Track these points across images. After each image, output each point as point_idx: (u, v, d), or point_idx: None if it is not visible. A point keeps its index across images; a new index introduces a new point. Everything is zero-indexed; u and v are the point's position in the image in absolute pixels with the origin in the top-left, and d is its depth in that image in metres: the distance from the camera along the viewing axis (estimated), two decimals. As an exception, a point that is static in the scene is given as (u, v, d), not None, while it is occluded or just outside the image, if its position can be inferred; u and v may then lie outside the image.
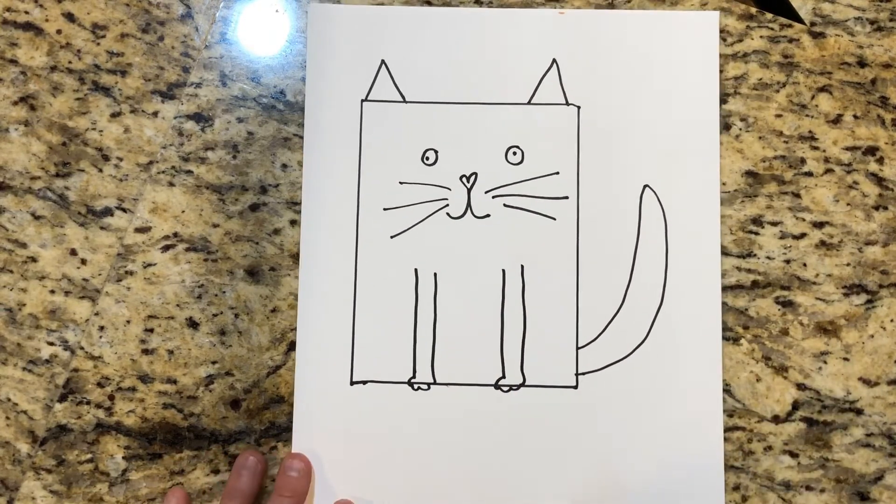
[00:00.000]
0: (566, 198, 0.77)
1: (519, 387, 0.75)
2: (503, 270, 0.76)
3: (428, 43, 0.78)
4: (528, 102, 0.77)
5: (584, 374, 0.75)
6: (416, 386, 0.75)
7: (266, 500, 0.74)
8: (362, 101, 0.78)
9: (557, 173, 0.77)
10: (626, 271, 0.76)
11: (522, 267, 0.76)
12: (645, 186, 0.76)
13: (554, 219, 0.76)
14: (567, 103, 0.77)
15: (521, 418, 0.75)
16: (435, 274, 0.76)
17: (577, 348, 0.75)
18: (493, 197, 0.76)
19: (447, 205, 0.76)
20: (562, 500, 0.74)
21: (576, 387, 0.75)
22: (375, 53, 0.78)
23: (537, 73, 0.78)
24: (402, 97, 0.78)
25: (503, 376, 0.75)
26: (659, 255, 0.76)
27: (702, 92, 0.78)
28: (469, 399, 0.75)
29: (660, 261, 0.76)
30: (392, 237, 0.76)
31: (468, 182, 0.76)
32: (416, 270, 0.76)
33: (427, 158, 0.77)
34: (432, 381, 0.75)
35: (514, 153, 0.77)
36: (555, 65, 0.78)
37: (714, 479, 0.74)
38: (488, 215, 0.76)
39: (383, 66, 0.78)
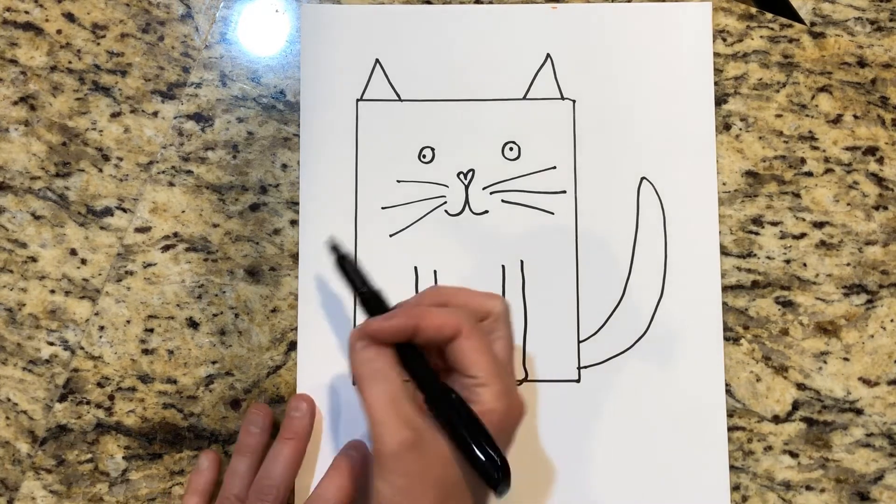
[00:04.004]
0: (564, 192, 0.77)
1: (521, 382, 0.75)
2: (503, 266, 0.76)
3: (421, 41, 0.78)
4: (524, 98, 0.78)
5: (585, 367, 0.75)
6: (418, 383, 0.75)
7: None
8: (357, 100, 0.78)
9: (554, 168, 0.77)
10: (626, 264, 0.76)
11: (522, 262, 0.76)
12: (642, 179, 0.77)
13: (552, 213, 0.76)
14: (562, 97, 0.78)
15: (523, 413, 0.75)
16: (435, 271, 0.76)
17: (579, 342, 0.76)
18: (491, 193, 0.76)
19: (445, 202, 0.77)
20: (566, 494, 0.74)
21: (578, 380, 0.75)
22: (369, 52, 0.78)
23: (532, 67, 0.78)
24: (398, 96, 0.78)
25: (505, 371, 0.75)
26: (658, 246, 0.76)
27: (696, 83, 0.78)
28: (471, 395, 0.75)
29: (659, 252, 0.76)
30: (391, 236, 0.76)
31: (465, 179, 0.77)
32: (415, 268, 0.76)
33: (424, 156, 0.77)
34: (434, 377, 0.75)
35: (511, 149, 0.77)
36: (549, 59, 0.78)
37: (718, 470, 0.74)
38: (486, 212, 0.76)
39: (378, 65, 0.78)
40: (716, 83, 0.78)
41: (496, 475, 0.57)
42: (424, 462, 0.58)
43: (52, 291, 0.76)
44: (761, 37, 0.78)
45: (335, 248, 0.68)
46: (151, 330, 0.76)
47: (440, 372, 0.64)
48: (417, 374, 0.62)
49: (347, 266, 0.67)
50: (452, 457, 0.59)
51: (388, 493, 0.59)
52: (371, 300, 0.66)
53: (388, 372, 0.61)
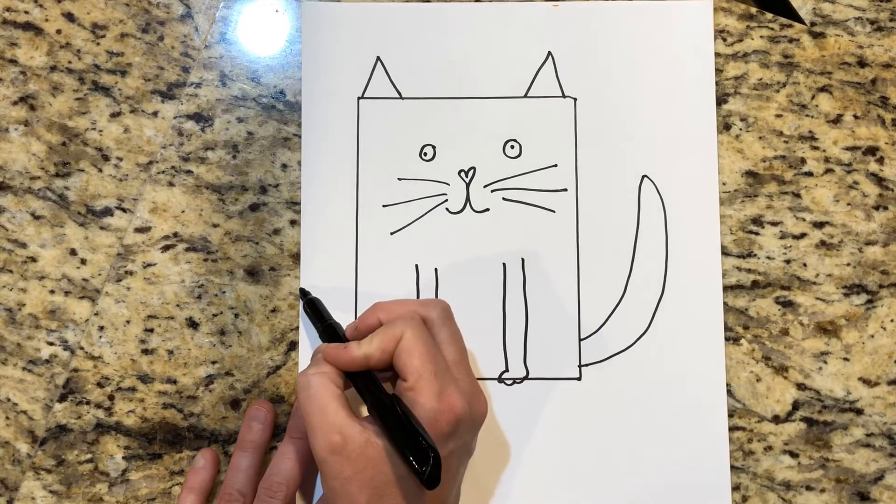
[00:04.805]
0: (565, 190, 0.77)
1: (523, 380, 0.75)
2: (504, 264, 0.76)
3: (423, 39, 0.78)
4: (525, 96, 0.78)
5: (587, 365, 0.75)
6: (419, 382, 0.75)
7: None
8: (359, 98, 0.78)
9: (556, 166, 0.77)
10: (627, 262, 0.76)
11: (523, 260, 0.76)
12: (643, 177, 0.77)
13: (553, 211, 0.76)
14: (563, 95, 0.78)
15: (525, 411, 0.75)
16: (436, 269, 0.76)
17: (580, 340, 0.76)
18: (492, 191, 0.76)
19: (446, 200, 0.77)
20: (566, 493, 0.74)
21: (579, 378, 0.75)
22: (370, 50, 0.78)
23: (533, 66, 0.78)
24: (399, 94, 0.78)
25: (506, 370, 0.75)
26: (659, 244, 0.76)
27: (697, 81, 0.78)
28: (472, 393, 0.75)
29: (660, 250, 0.76)
30: (392, 234, 0.76)
31: (467, 177, 0.77)
32: (416, 266, 0.76)
33: (425, 154, 0.77)
34: (435, 376, 0.75)
35: (512, 147, 0.77)
36: (550, 57, 0.78)
37: (719, 470, 0.74)
38: (487, 209, 0.76)
39: (379, 62, 0.78)
40: (716, 83, 0.78)
41: (422, 469, 0.58)
42: (355, 465, 0.61)
43: (52, 291, 0.76)
44: (761, 37, 0.78)
45: (304, 293, 0.75)
46: (151, 330, 0.76)
47: (396, 378, 0.67)
48: (358, 382, 0.66)
49: (317, 305, 0.74)
50: (385, 457, 0.62)
51: (325, 494, 0.63)
52: (330, 331, 0.71)
53: (322, 382, 0.64)
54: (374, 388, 0.65)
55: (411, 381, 0.63)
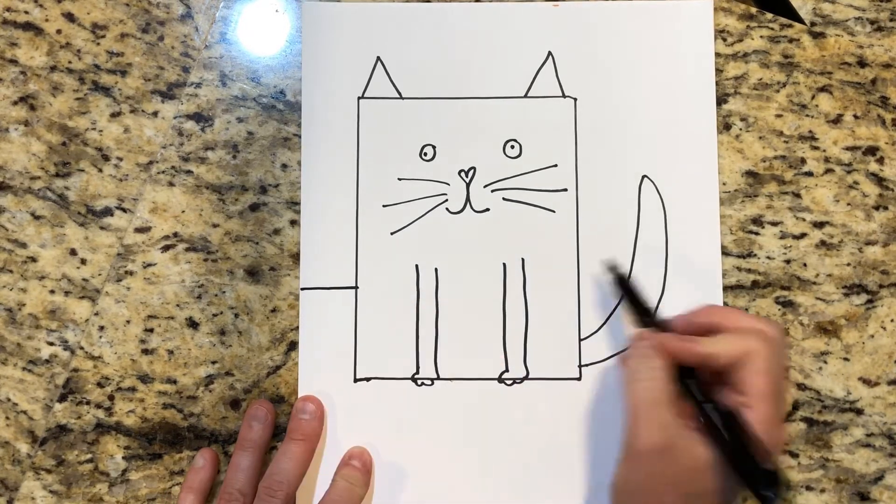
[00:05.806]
0: (565, 190, 0.77)
1: (522, 380, 0.75)
2: (504, 264, 0.76)
3: (423, 39, 0.78)
4: (525, 96, 0.78)
5: (587, 365, 0.75)
6: (419, 382, 0.75)
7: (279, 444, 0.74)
8: (359, 98, 0.78)
9: (556, 166, 0.77)
10: (627, 262, 0.76)
11: (523, 260, 0.76)
12: (643, 177, 0.77)
13: (553, 211, 0.76)
14: (564, 95, 0.78)
15: (525, 411, 0.75)
16: (436, 269, 0.76)
17: (580, 340, 0.75)
18: (492, 191, 0.76)
19: (446, 200, 0.77)
20: (566, 492, 0.74)
21: (579, 378, 0.75)
22: (370, 50, 0.78)
23: (533, 65, 0.78)
24: (399, 94, 0.78)
25: (506, 370, 0.75)
26: (659, 244, 0.76)
27: (698, 80, 0.78)
28: (473, 393, 0.75)
29: (660, 250, 0.76)
30: (392, 234, 0.76)
31: (467, 177, 0.77)
32: (416, 266, 0.76)
33: (425, 154, 0.77)
34: (436, 376, 0.75)
35: (512, 147, 0.77)
36: (550, 57, 0.78)
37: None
38: (487, 209, 0.76)
39: (379, 62, 0.78)
40: (716, 83, 0.78)
41: (767, 492, 0.59)
42: (671, 468, 0.61)
43: (52, 291, 0.76)
44: (761, 37, 0.78)
45: (613, 269, 0.74)
46: (151, 330, 0.75)
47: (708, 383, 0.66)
48: (690, 384, 0.65)
49: (631, 287, 0.73)
50: (709, 468, 0.61)
51: (629, 484, 0.64)
52: (653, 317, 0.71)
53: (658, 376, 0.64)
54: (709, 395, 0.64)
55: (751, 399, 0.62)
